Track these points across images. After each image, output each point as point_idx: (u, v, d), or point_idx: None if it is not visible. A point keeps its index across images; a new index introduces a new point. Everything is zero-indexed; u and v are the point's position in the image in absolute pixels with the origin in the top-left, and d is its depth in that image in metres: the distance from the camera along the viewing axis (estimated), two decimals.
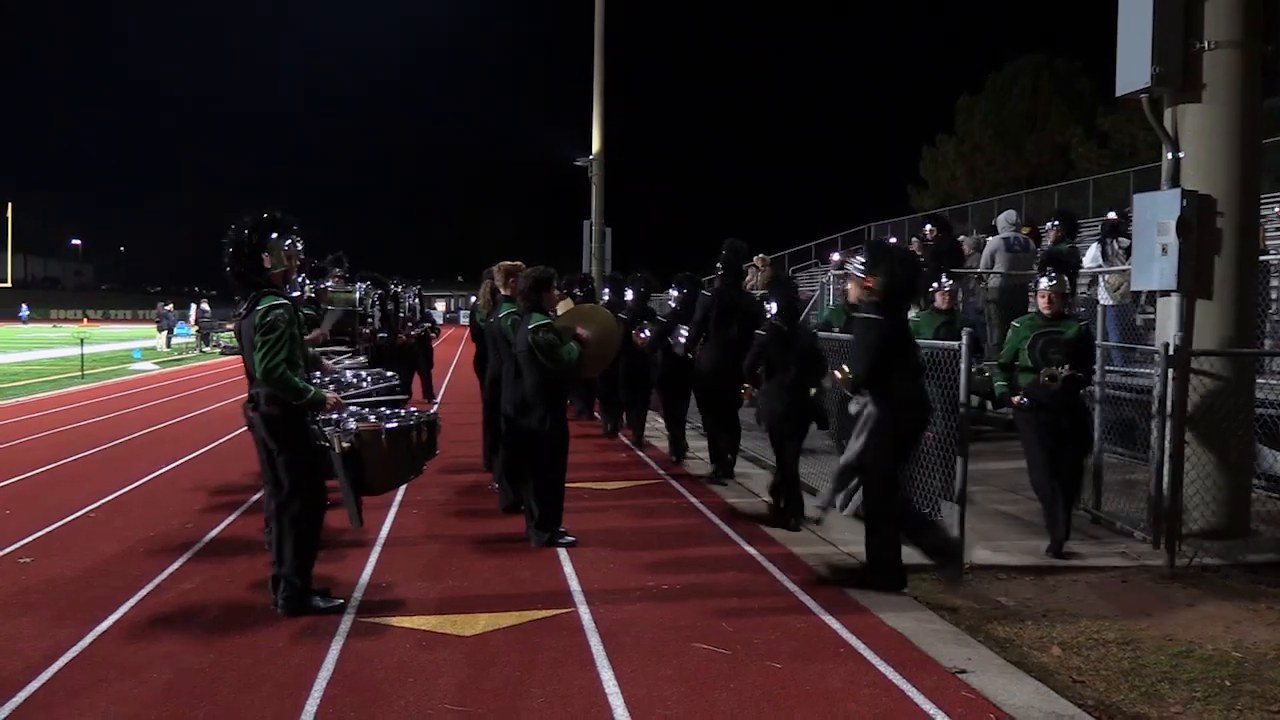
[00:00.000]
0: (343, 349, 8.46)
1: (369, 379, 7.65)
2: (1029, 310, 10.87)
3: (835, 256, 20.61)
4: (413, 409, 6.87)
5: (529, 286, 6.80)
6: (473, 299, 10.47)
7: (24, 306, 65.13)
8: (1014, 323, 6.98)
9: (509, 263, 7.75)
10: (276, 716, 4.01)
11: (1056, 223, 11.64)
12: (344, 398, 6.12)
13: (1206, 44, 6.78)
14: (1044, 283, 6.68)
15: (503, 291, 7.75)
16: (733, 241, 8.58)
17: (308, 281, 8.44)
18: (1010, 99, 47.23)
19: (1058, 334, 6.55)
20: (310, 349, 6.65)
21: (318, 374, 6.21)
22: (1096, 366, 7.06)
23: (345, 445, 5.46)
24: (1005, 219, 11.56)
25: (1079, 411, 6.66)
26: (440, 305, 68.14)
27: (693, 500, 8.30)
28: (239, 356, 5.61)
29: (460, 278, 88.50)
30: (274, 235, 5.23)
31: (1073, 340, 6.52)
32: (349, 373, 7.49)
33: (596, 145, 22.45)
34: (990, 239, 11.74)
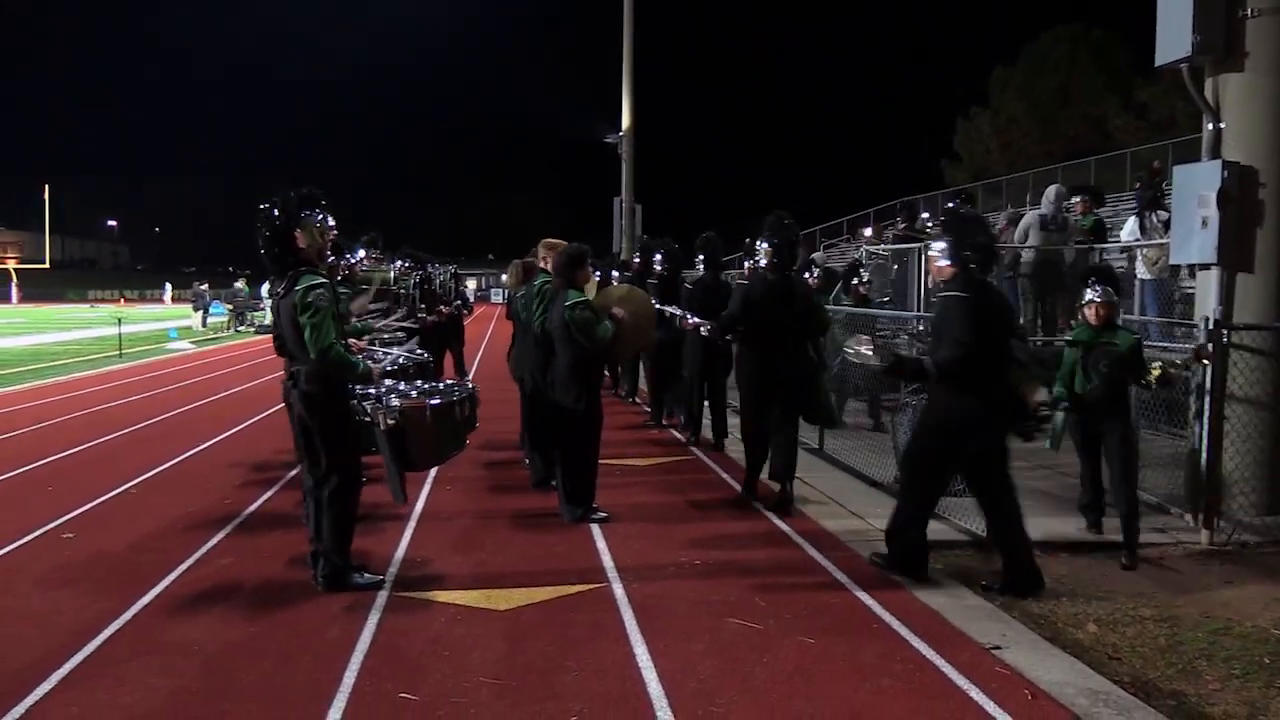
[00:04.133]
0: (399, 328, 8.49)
1: (401, 357, 7.69)
2: (1061, 282, 10.80)
3: (867, 232, 20.44)
4: (451, 381, 6.91)
5: (563, 263, 6.81)
6: (503, 276, 10.58)
7: None
8: (1068, 340, 6.55)
9: (553, 240, 7.74)
10: (315, 688, 4.07)
11: (1085, 196, 11.79)
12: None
13: (1250, 11, 6.62)
14: (1088, 294, 6.25)
15: (544, 267, 7.74)
16: (778, 219, 7.35)
17: (343, 259, 8.48)
18: (1046, 70, 46.54)
19: (1112, 345, 6.09)
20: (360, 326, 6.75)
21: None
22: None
23: (390, 423, 5.50)
24: (1049, 195, 11.40)
25: (1121, 419, 6.11)
26: (471, 283, 68.58)
27: (724, 476, 8.30)
28: (270, 336, 5.65)
29: (491, 255, 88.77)
30: (306, 213, 5.23)
31: (1124, 354, 6.04)
32: (380, 350, 7.53)
33: (626, 122, 22.39)
34: (1027, 213, 11.63)
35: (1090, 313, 6.24)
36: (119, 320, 23.60)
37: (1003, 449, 5.37)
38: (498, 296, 62.19)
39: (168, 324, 32.78)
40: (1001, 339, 5.31)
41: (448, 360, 12.77)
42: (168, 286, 63.44)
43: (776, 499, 7.19)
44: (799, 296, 7.17)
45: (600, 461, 6.97)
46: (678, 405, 10.81)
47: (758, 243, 7.41)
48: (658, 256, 10.89)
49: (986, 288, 5.42)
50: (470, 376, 15.28)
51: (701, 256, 9.88)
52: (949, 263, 5.35)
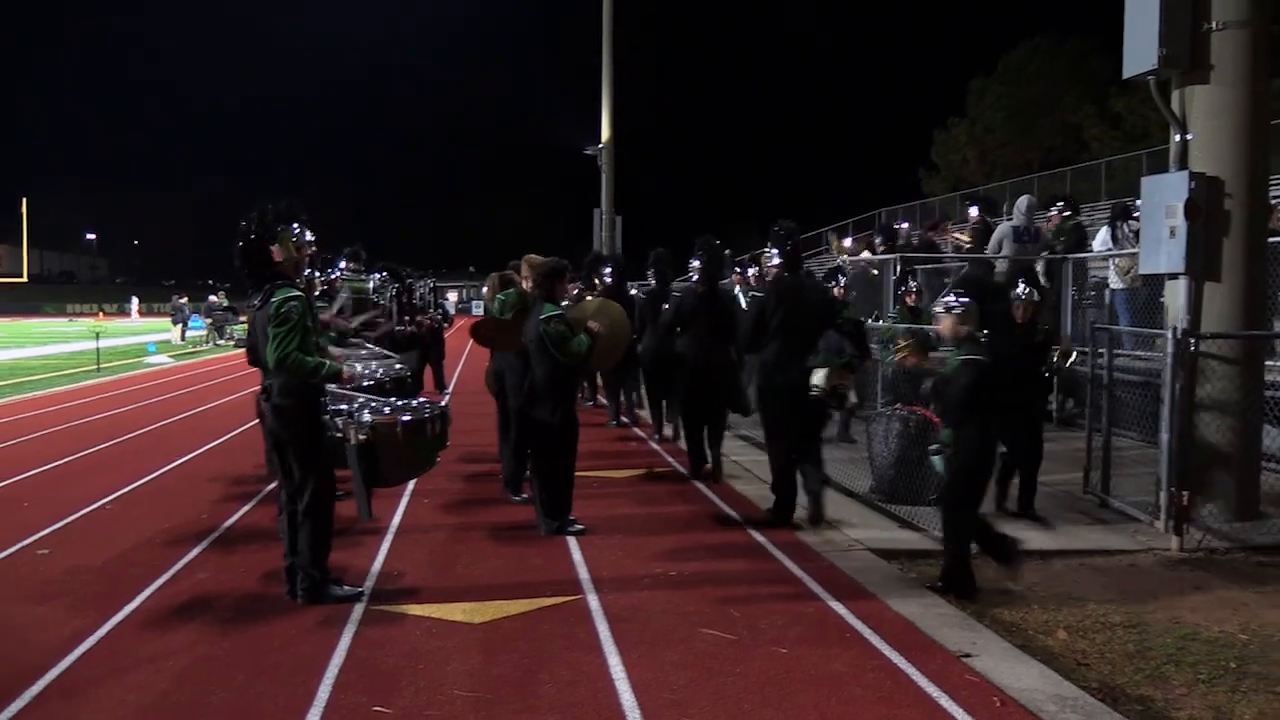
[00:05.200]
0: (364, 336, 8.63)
1: (380, 370, 7.70)
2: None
3: (847, 242, 20.52)
4: (424, 400, 6.92)
5: (542, 277, 6.86)
6: (483, 289, 10.62)
7: None
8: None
9: (534, 256, 7.77)
10: (290, 702, 4.08)
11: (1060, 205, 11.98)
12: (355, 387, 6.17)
13: (1215, 24, 6.74)
14: (938, 304, 5.56)
15: (524, 288, 7.78)
16: (707, 241, 8.82)
17: (318, 274, 8.49)
18: (1024, 80, 46.90)
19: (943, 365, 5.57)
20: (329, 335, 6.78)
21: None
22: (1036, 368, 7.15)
23: (361, 438, 5.51)
24: (1021, 205, 11.49)
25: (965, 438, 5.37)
26: (452, 295, 68.49)
27: (701, 488, 8.33)
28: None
29: (472, 268, 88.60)
30: (281, 227, 5.24)
31: (944, 377, 5.45)
32: (359, 364, 7.54)
33: (606, 133, 22.43)
34: (1000, 225, 11.71)
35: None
36: (97, 334, 23.45)
37: (800, 417, 6.78)
38: (479, 309, 62.18)
39: (146, 338, 32.58)
40: (807, 328, 6.74)
41: (427, 373, 12.77)
42: (134, 300, 62.86)
43: (711, 472, 8.63)
44: (722, 305, 8.69)
45: (577, 474, 7.00)
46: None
47: (691, 260, 9.12)
48: (607, 269, 11.71)
49: (795, 285, 6.99)
50: (450, 389, 15.29)
51: (652, 270, 10.95)
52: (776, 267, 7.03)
